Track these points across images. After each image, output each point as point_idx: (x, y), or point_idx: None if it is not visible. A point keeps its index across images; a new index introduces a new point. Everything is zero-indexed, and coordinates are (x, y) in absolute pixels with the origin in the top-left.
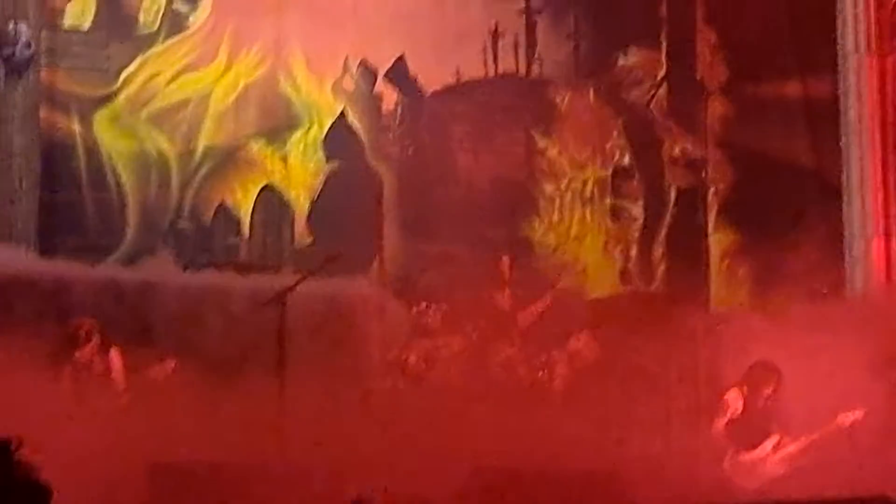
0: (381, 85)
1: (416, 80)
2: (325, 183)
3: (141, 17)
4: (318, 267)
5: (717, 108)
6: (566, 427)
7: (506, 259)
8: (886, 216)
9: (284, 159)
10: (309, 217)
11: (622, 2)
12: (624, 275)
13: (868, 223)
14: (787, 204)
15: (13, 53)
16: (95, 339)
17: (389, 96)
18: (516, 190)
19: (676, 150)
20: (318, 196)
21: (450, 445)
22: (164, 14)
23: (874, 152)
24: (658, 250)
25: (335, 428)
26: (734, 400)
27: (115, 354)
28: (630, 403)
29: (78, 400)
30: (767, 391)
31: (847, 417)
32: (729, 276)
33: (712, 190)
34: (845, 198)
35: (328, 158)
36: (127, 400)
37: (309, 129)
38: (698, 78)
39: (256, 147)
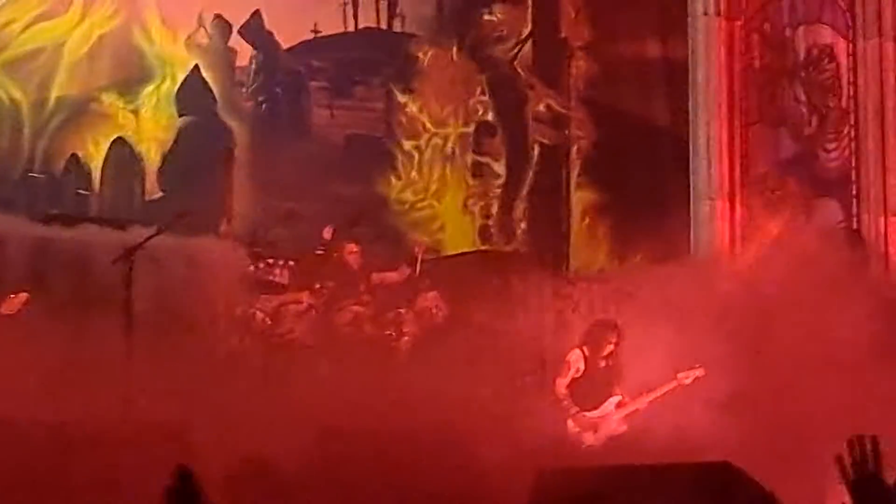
0: (235, 40)
1: (271, 35)
2: (177, 137)
3: None
4: (168, 224)
5: (580, 67)
6: (413, 385)
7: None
8: (731, 179)
9: (136, 112)
10: (160, 171)
11: None
12: (483, 232)
13: (713, 185)
14: (645, 164)
15: None
16: None
17: (244, 52)
18: (373, 146)
19: (541, 107)
20: (170, 150)
21: (296, 403)
22: None
23: (720, 115)
24: (519, 207)
25: (180, 385)
26: (576, 360)
27: None
28: (476, 363)
29: None
30: (607, 349)
31: (687, 376)
32: (589, 236)
33: (575, 148)
34: (692, 160)
35: (181, 113)
36: None
37: (161, 82)
38: (562, 36)
39: (108, 99)
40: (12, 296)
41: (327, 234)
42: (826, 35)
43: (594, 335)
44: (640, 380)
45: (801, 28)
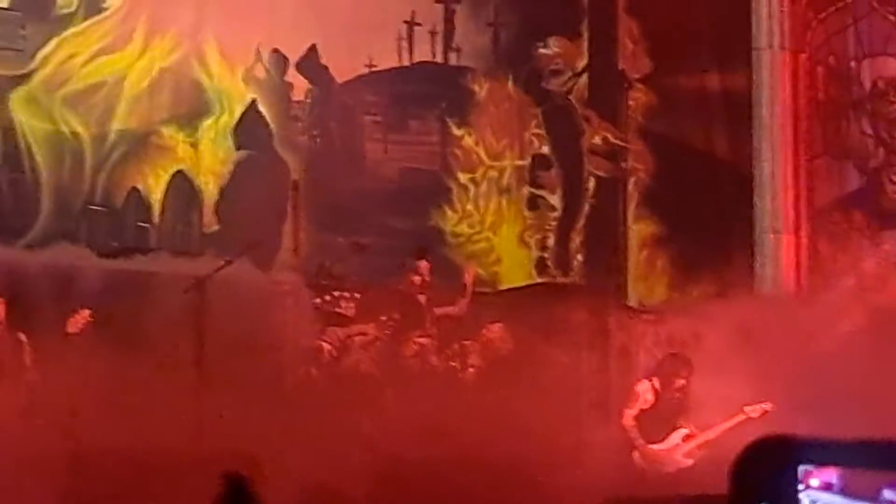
0: (292, 74)
1: (326, 69)
2: (234, 170)
3: None
4: (239, 254)
5: (637, 99)
6: (478, 416)
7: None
8: (796, 212)
9: (195, 145)
10: (217, 204)
11: None
12: (540, 265)
13: (777, 218)
14: (705, 196)
15: None
16: (4, 321)
17: (300, 85)
18: (428, 179)
19: (596, 140)
20: (227, 183)
21: (362, 433)
22: None
23: (785, 148)
24: (576, 240)
25: (250, 414)
26: (645, 391)
27: (24, 337)
28: (542, 394)
29: None
30: (678, 383)
31: (755, 409)
32: (647, 268)
33: (632, 180)
34: (756, 193)
35: (238, 146)
36: (37, 384)
37: (220, 116)
38: (619, 68)
39: (168, 132)
40: (76, 314)
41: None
42: (892, 67)
43: (665, 368)
44: (707, 413)
45: (867, 60)
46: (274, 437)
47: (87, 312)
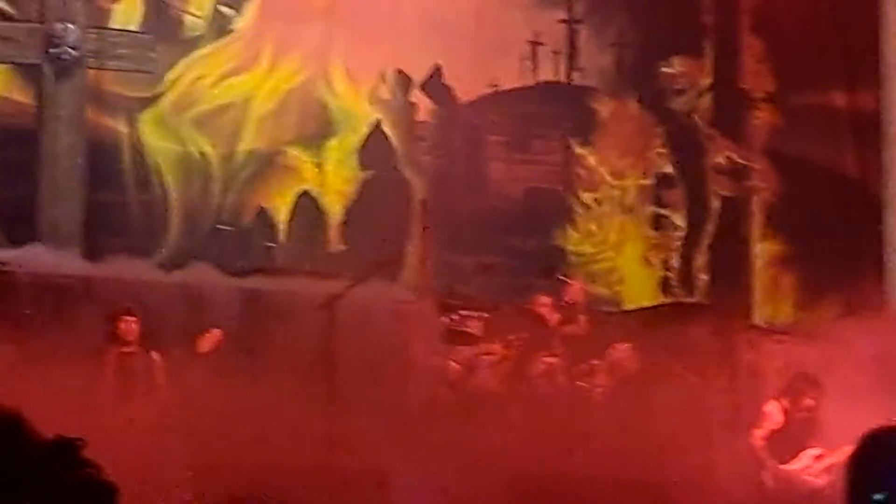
0: (416, 94)
1: (451, 89)
2: (359, 191)
3: (187, 20)
4: (368, 273)
5: (762, 117)
6: (606, 437)
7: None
8: None
9: (321, 166)
10: (343, 224)
11: (666, 10)
12: (664, 285)
13: None
14: (832, 215)
15: (61, 54)
16: (138, 339)
17: (424, 106)
18: (551, 199)
19: (720, 159)
20: (352, 204)
21: (490, 452)
22: (210, 17)
23: None
24: (700, 260)
25: (379, 433)
26: (774, 412)
27: (156, 356)
28: (670, 414)
29: (122, 399)
30: (808, 403)
31: None
32: (773, 287)
33: (757, 199)
34: (885, 211)
35: (362, 166)
36: (169, 402)
37: (345, 136)
38: (743, 87)
39: (294, 153)
40: (207, 334)
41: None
42: None
43: (793, 388)
44: (837, 432)
45: None
46: (402, 455)
47: (217, 332)
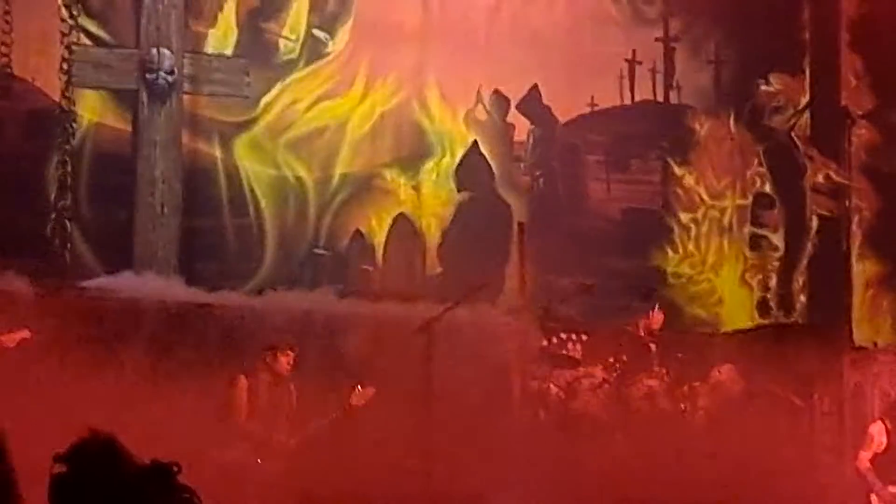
0: (513, 115)
1: (549, 109)
2: (457, 212)
3: (281, 44)
4: (465, 296)
5: (861, 135)
6: (709, 459)
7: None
8: None
9: (417, 188)
10: (440, 247)
11: (764, 27)
12: (762, 306)
13: None
14: None
15: (156, 79)
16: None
17: (522, 126)
18: (650, 219)
19: (819, 178)
20: (449, 225)
21: (591, 476)
22: (304, 41)
23: None
24: (799, 280)
25: (478, 457)
26: (879, 433)
27: (293, 387)
28: (774, 436)
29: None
30: None
31: None
32: (873, 308)
33: (856, 219)
34: None
35: (460, 188)
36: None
37: (441, 158)
38: (842, 104)
39: (390, 175)
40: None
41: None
42: None
43: None
44: None
45: None
46: (502, 479)
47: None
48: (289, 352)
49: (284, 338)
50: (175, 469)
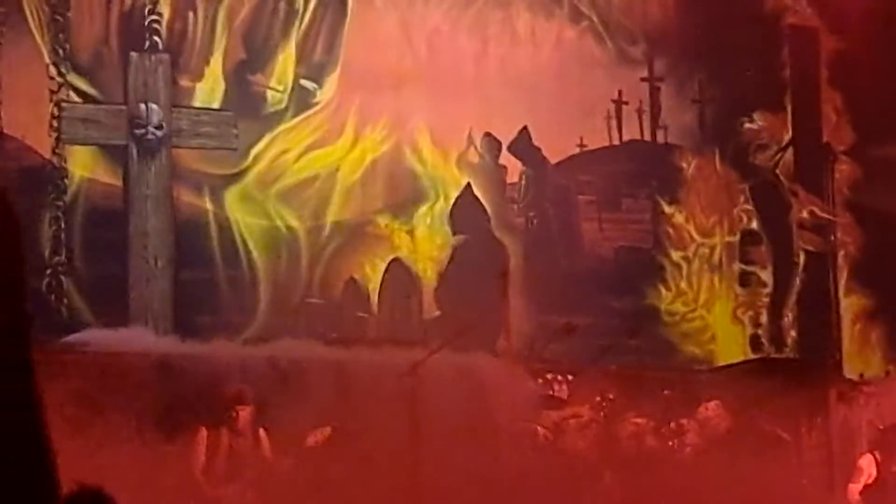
0: (505, 157)
1: (539, 150)
2: (452, 256)
3: (269, 95)
4: (449, 340)
5: (844, 171)
6: (698, 497)
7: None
8: None
9: (411, 233)
10: (437, 290)
11: (746, 65)
12: (754, 341)
13: None
14: None
15: (145, 134)
16: (246, 417)
17: (514, 168)
18: (642, 258)
19: (804, 214)
20: (446, 269)
21: None
22: (291, 91)
23: None
24: (788, 316)
25: (468, 499)
26: (868, 465)
27: (263, 434)
28: (763, 472)
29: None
30: None
31: None
32: (862, 341)
33: (842, 253)
34: None
35: (454, 231)
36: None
37: (435, 202)
38: (824, 141)
39: (384, 221)
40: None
41: None
42: None
43: (887, 441)
44: None
45: None
46: None
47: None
48: (246, 406)
49: (243, 391)
50: None
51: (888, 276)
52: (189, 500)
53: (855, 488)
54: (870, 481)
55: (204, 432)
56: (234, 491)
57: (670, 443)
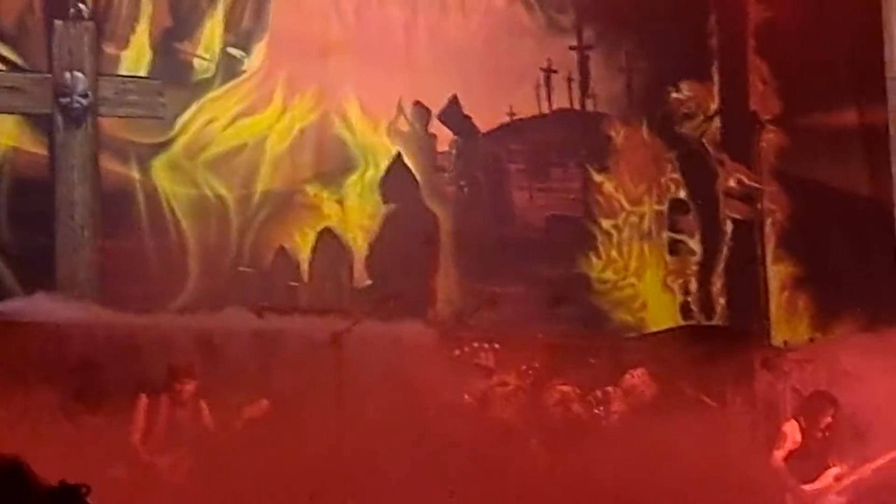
0: (435, 125)
1: (469, 119)
2: (383, 225)
3: (196, 63)
4: (374, 308)
5: (770, 139)
6: (625, 463)
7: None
8: None
9: (341, 202)
10: (367, 259)
11: (673, 35)
12: (684, 309)
13: None
14: (845, 233)
15: (71, 103)
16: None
17: (444, 137)
18: (573, 226)
19: (731, 183)
20: (376, 238)
21: (509, 484)
22: (219, 60)
23: None
24: (717, 283)
25: (391, 467)
26: (792, 432)
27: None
28: (688, 438)
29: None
30: (825, 422)
31: None
32: (789, 308)
33: (769, 221)
34: None
35: (385, 200)
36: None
37: (365, 171)
38: (751, 110)
39: (313, 191)
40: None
41: None
42: None
43: (810, 407)
44: (858, 451)
45: None
46: (419, 492)
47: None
48: (189, 379)
49: (188, 363)
50: (84, 490)
51: (815, 244)
52: (119, 471)
53: (779, 454)
54: (794, 447)
55: (145, 400)
56: (170, 460)
57: (596, 410)
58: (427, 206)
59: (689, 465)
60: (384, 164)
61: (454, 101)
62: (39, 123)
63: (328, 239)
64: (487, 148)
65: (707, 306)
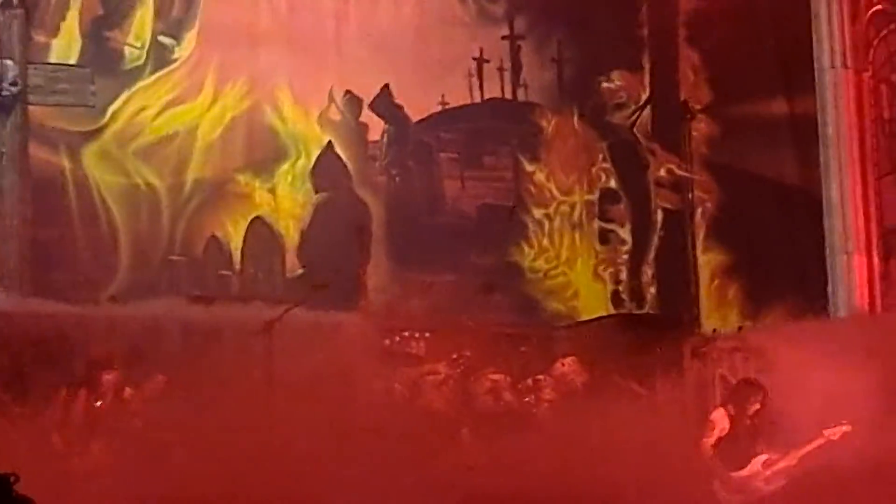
0: (366, 115)
1: (401, 108)
2: (314, 213)
3: (126, 52)
4: (304, 297)
5: (701, 129)
6: (555, 451)
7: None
8: (867, 232)
9: (273, 191)
10: (299, 248)
11: (604, 25)
12: (615, 298)
13: (849, 240)
14: (775, 222)
15: (0, 91)
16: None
17: (375, 126)
18: (504, 216)
19: (662, 172)
20: (308, 226)
21: (438, 473)
22: (149, 48)
23: (853, 167)
24: (648, 272)
25: (321, 456)
26: (720, 419)
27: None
28: (618, 426)
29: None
30: (753, 409)
31: (834, 433)
32: (719, 297)
33: (699, 210)
34: (825, 215)
35: (316, 189)
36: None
37: (296, 160)
38: (682, 99)
39: (245, 179)
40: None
41: None
42: None
43: (738, 395)
44: (786, 437)
45: None
46: (348, 480)
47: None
48: (113, 369)
49: (114, 353)
50: (13, 479)
51: (745, 234)
52: (45, 461)
53: (708, 441)
54: (722, 434)
55: (63, 392)
56: (93, 451)
57: (527, 398)
58: (358, 194)
59: (619, 452)
60: (315, 153)
61: (386, 90)
62: None
63: (260, 228)
64: (419, 137)
65: (638, 295)
